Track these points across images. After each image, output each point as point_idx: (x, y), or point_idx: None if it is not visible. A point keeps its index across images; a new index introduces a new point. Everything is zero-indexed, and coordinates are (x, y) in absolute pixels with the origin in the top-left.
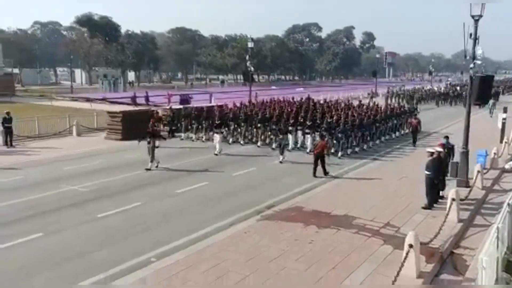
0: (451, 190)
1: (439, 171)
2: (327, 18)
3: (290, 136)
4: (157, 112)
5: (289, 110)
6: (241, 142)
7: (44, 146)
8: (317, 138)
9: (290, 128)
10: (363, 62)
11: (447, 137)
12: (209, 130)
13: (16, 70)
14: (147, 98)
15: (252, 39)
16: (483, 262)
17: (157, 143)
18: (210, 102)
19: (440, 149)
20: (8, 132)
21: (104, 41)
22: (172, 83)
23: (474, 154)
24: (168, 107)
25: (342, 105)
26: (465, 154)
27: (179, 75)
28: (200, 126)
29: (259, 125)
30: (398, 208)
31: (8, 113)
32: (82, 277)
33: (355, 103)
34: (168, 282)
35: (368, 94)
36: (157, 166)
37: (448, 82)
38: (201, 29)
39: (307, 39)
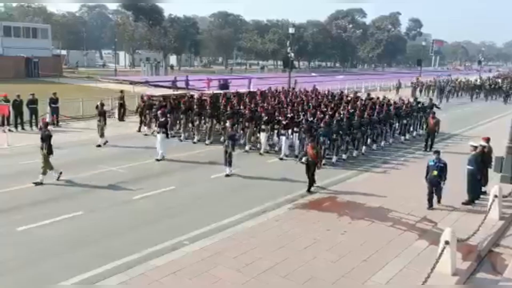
0: (494, 186)
1: (482, 166)
2: (373, 3)
3: (263, 136)
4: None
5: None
6: (206, 142)
7: (87, 127)
8: (296, 140)
9: (263, 126)
10: (408, 50)
11: (437, 152)
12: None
13: (63, 52)
14: (187, 82)
15: (293, 25)
16: None
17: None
18: (249, 88)
19: (484, 143)
20: (55, 112)
21: (147, 24)
22: (212, 68)
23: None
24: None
25: (349, 98)
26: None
27: (220, 59)
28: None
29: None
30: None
31: (54, 94)
32: (119, 256)
33: (364, 96)
34: (198, 266)
35: (395, 85)
36: (58, 178)
37: (497, 72)
38: (243, 14)
39: (351, 26)
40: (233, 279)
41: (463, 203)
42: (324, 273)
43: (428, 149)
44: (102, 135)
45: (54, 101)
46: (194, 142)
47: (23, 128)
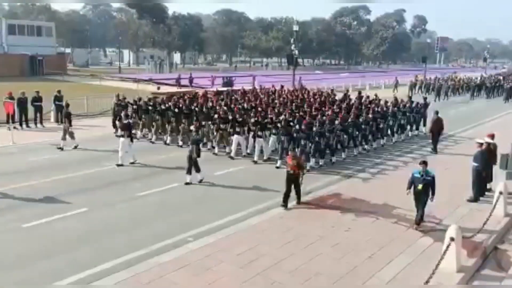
0: (499, 183)
1: (488, 162)
2: (378, 3)
3: (235, 139)
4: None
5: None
6: (179, 143)
7: (91, 124)
8: (270, 143)
9: (237, 129)
10: (413, 47)
11: (424, 163)
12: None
13: (68, 50)
14: (191, 80)
15: (297, 22)
16: None
17: None
18: (253, 85)
19: (490, 140)
20: (59, 110)
21: (151, 22)
22: (216, 66)
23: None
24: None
25: (336, 97)
26: None
27: (224, 57)
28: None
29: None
30: (441, 199)
31: (59, 92)
32: (123, 252)
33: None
34: (202, 262)
35: (393, 83)
36: None
37: (504, 70)
38: (247, 11)
39: (355, 23)
40: (238, 275)
41: (468, 200)
42: (329, 269)
43: (434, 151)
44: (71, 137)
45: (58, 99)
46: (167, 144)
47: (27, 126)
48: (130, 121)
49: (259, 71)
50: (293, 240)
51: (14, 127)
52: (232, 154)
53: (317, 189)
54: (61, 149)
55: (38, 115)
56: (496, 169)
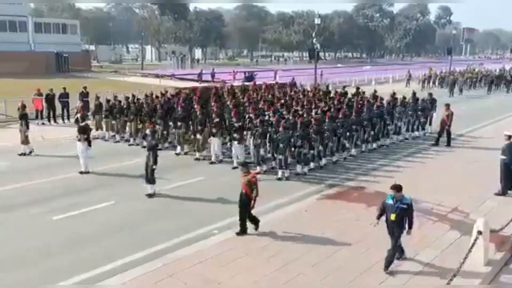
0: None
1: None
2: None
3: (214, 142)
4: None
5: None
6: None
7: None
8: (251, 147)
9: (214, 130)
10: (437, 39)
11: (397, 188)
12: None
13: (92, 47)
14: (213, 75)
15: (319, 15)
16: None
17: None
18: (275, 80)
19: None
20: (86, 106)
21: (173, 18)
22: (238, 60)
23: None
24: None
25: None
26: None
27: (245, 52)
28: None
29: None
30: (468, 193)
31: (85, 88)
32: (150, 244)
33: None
34: (227, 255)
35: (405, 76)
36: None
37: None
38: (268, 5)
39: (378, 15)
40: (262, 268)
41: (495, 194)
42: (352, 263)
43: (446, 144)
44: (26, 142)
45: (84, 95)
46: (144, 147)
47: (55, 121)
48: (88, 123)
49: (278, 65)
50: (316, 233)
51: (43, 123)
52: (213, 158)
53: (334, 185)
54: (24, 154)
55: (65, 111)
56: None
